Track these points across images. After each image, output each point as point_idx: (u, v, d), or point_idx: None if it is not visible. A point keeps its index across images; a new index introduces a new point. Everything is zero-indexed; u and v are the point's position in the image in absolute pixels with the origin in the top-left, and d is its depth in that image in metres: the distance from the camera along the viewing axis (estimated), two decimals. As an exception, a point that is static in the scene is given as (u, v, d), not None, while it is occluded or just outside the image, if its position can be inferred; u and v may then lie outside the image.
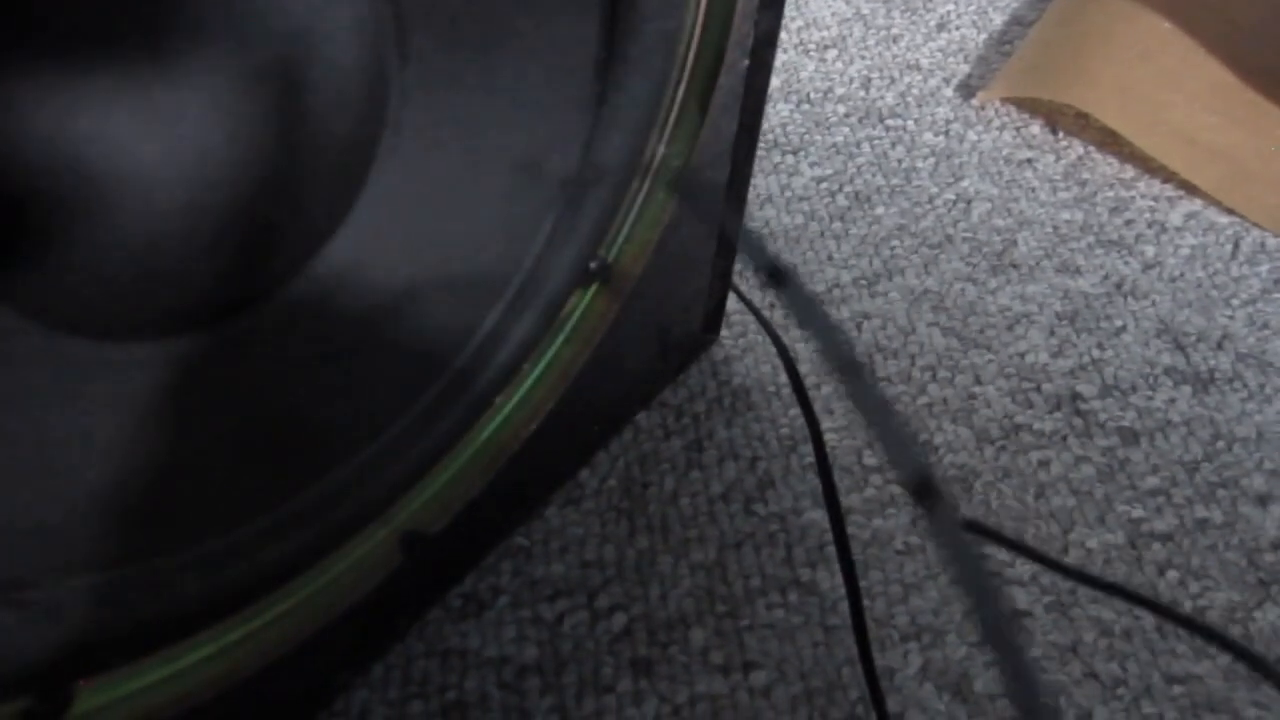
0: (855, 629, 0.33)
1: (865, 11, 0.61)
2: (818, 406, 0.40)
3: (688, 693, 0.32)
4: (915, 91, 0.55)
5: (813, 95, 0.55)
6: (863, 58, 0.58)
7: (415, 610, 0.33)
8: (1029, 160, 0.51)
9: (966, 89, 0.55)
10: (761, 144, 0.48)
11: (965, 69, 0.57)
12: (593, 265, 0.28)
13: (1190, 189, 0.49)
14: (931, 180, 0.50)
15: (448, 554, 0.32)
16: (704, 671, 0.33)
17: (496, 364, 0.27)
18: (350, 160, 0.23)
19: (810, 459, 0.38)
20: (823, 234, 0.47)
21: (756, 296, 0.44)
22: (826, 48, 0.58)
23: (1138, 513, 0.37)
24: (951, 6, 0.61)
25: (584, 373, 0.30)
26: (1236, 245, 0.47)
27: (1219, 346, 0.43)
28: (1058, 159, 0.51)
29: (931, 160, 0.51)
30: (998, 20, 0.60)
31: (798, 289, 0.18)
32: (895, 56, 0.58)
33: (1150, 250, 0.47)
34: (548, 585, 0.34)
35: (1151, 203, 0.49)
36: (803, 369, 0.41)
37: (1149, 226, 0.48)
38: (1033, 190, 0.49)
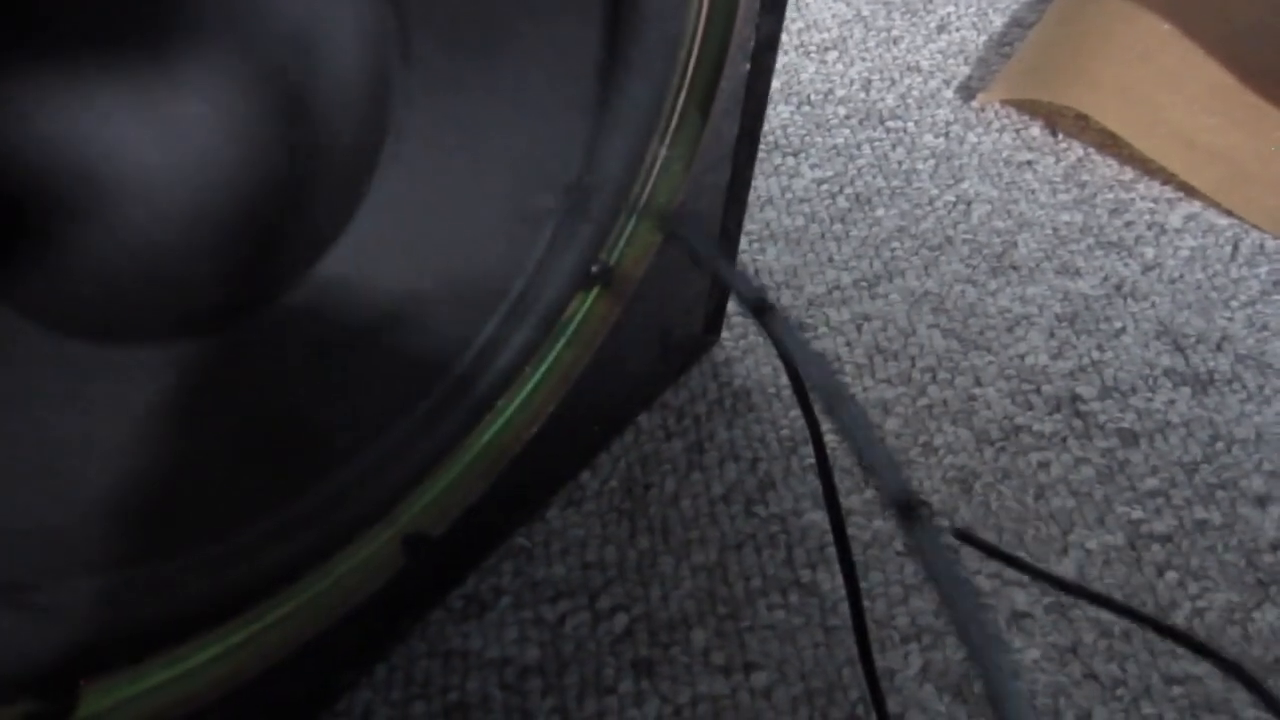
0: (856, 630, 0.33)
1: (865, 13, 0.61)
2: (818, 409, 0.40)
3: (689, 693, 0.32)
4: (915, 93, 0.55)
5: (813, 97, 0.55)
6: (863, 59, 0.58)
7: (417, 611, 0.33)
8: (1029, 162, 0.51)
9: (966, 91, 0.55)
10: (762, 146, 0.49)
11: (965, 71, 0.57)
12: (594, 269, 0.28)
13: (1190, 191, 0.49)
14: (932, 182, 0.50)
15: (450, 555, 0.32)
16: (705, 672, 0.33)
17: (498, 367, 0.27)
18: (353, 165, 0.23)
19: (811, 460, 0.38)
20: (823, 236, 0.48)
21: (757, 298, 0.44)
22: (827, 49, 0.58)
23: (1137, 514, 0.37)
24: (952, 8, 0.61)
25: (585, 375, 0.30)
26: (1236, 247, 0.47)
27: (1218, 348, 0.43)
28: (1057, 161, 0.51)
29: (932, 162, 0.51)
30: (998, 22, 0.60)
31: (783, 322, 0.18)
32: (895, 58, 0.58)
33: (1150, 252, 0.47)
34: (549, 586, 0.35)
35: (1151, 204, 0.49)
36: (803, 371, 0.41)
37: (1148, 228, 0.48)
38: (1032, 192, 0.50)
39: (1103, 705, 0.32)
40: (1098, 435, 0.39)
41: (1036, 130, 0.53)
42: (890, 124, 0.54)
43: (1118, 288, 0.45)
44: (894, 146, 0.52)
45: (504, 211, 0.26)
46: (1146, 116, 0.51)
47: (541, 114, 0.25)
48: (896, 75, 0.57)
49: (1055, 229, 0.48)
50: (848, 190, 0.50)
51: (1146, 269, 0.46)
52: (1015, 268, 0.46)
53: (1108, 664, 0.33)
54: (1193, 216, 0.48)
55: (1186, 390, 0.41)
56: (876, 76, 0.57)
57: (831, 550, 0.35)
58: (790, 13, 0.60)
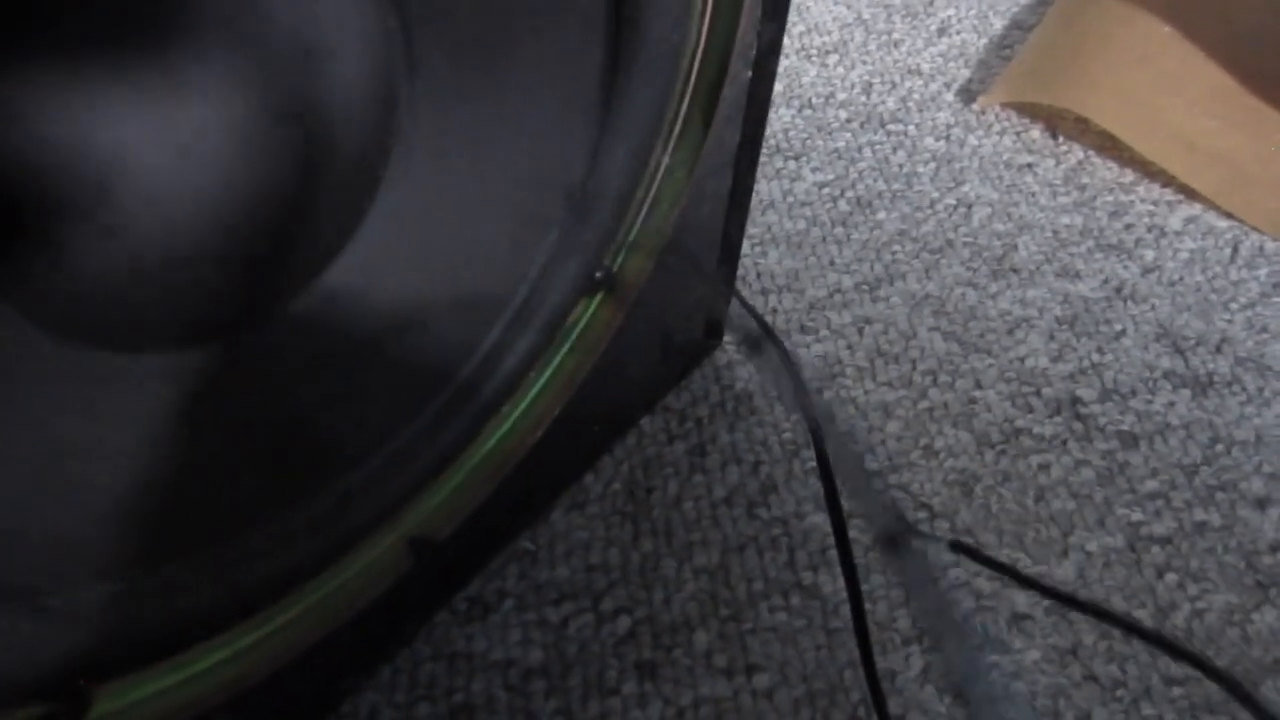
0: (857, 632, 0.33)
1: (866, 17, 0.61)
2: (819, 411, 0.40)
3: (691, 695, 0.32)
4: (916, 96, 0.56)
5: (814, 100, 0.56)
6: (864, 63, 0.58)
7: (423, 614, 0.33)
8: (1029, 165, 0.51)
9: (967, 94, 0.56)
10: (764, 149, 0.49)
11: (966, 74, 0.57)
12: (598, 275, 0.29)
13: (1189, 193, 0.49)
14: (932, 185, 0.50)
15: (455, 558, 0.33)
16: (707, 674, 0.33)
17: (502, 373, 0.28)
18: (360, 174, 0.23)
19: (812, 463, 0.38)
20: (825, 239, 0.48)
21: (759, 303, 0.44)
22: (828, 53, 0.59)
23: (1137, 516, 0.37)
24: (952, 11, 0.62)
25: (589, 379, 0.31)
26: (1235, 249, 0.47)
27: (1218, 350, 0.43)
28: (1058, 163, 0.51)
29: (932, 165, 0.51)
30: (998, 25, 0.61)
31: (776, 359, 0.18)
32: (896, 61, 0.58)
33: (1150, 254, 0.47)
34: (553, 589, 0.35)
35: (1151, 207, 0.49)
36: (804, 374, 0.42)
37: (1148, 231, 0.48)
38: (1033, 195, 0.50)
39: (1102, 706, 0.32)
40: (1098, 438, 0.40)
41: (1037, 133, 0.53)
42: (891, 127, 0.54)
43: (1118, 290, 0.45)
44: (895, 150, 0.52)
45: (508, 219, 0.26)
46: (1146, 119, 0.51)
47: (545, 123, 0.26)
48: (897, 78, 0.57)
49: (1055, 232, 0.48)
50: (849, 194, 0.50)
51: (1146, 271, 0.46)
52: (1016, 270, 0.46)
53: (1108, 665, 0.33)
54: (1192, 219, 0.49)
55: (1186, 392, 0.41)
56: (877, 80, 0.57)
57: (833, 553, 0.35)
58: (791, 16, 0.61)
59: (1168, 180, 0.50)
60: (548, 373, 0.29)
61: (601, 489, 0.38)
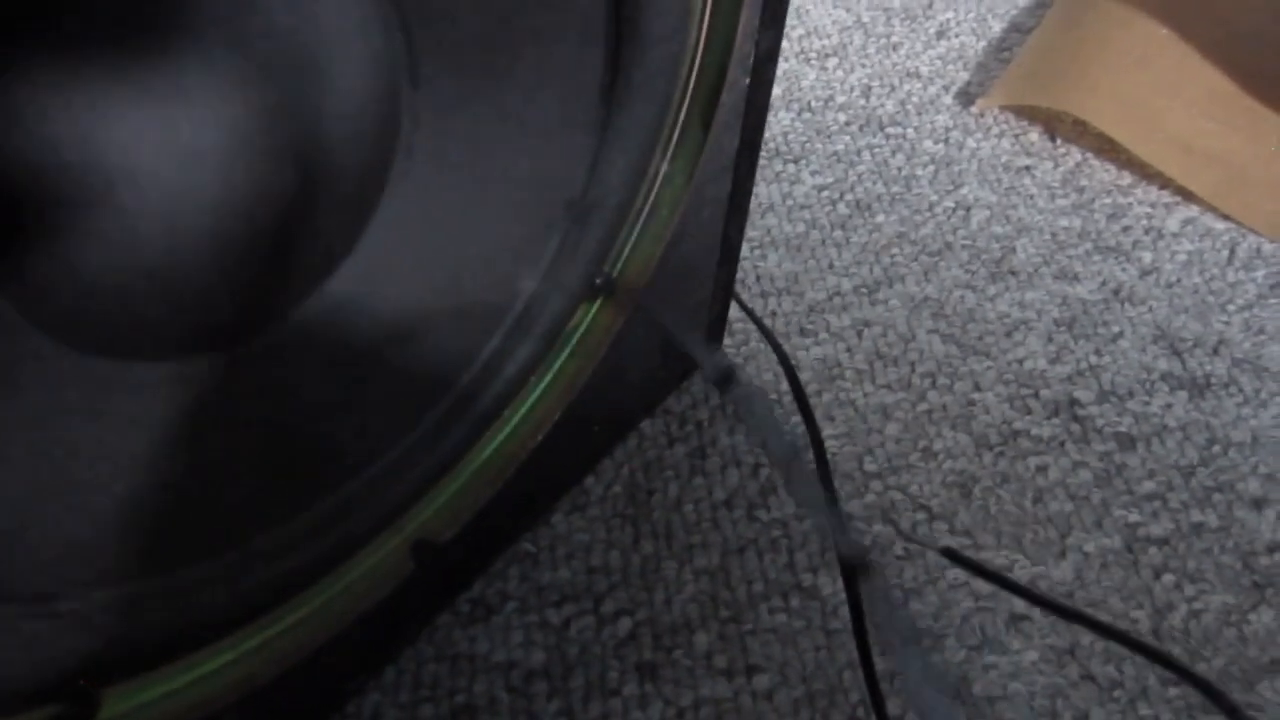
0: (856, 633, 0.33)
1: (866, 19, 0.61)
2: (818, 414, 0.41)
3: (692, 696, 0.33)
4: (915, 99, 0.56)
5: (814, 103, 0.56)
6: (863, 66, 0.58)
7: (425, 616, 0.33)
8: (1027, 167, 0.52)
9: (966, 96, 0.56)
10: (763, 153, 0.49)
11: (964, 76, 0.57)
12: (598, 281, 0.29)
13: (1187, 195, 0.50)
14: (931, 188, 0.51)
15: (457, 561, 0.33)
16: (708, 675, 0.33)
17: (504, 378, 0.28)
18: (363, 183, 0.24)
19: (812, 465, 0.38)
20: (824, 242, 0.48)
21: (758, 306, 0.45)
22: (827, 56, 0.59)
23: (1134, 517, 0.38)
24: (951, 14, 0.62)
25: (589, 383, 0.31)
26: (1233, 251, 0.47)
27: (1215, 352, 0.43)
28: (1056, 166, 0.52)
29: (931, 168, 0.52)
30: (997, 28, 0.61)
31: (745, 391, 0.19)
32: (895, 64, 0.58)
33: (1147, 256, 0.47)
34: (554, 591, 0.35)
35: (1149, 209, 0.49)
36: (804, 377, 0.42)
37: (1146, 233, 0.48)
38: (1031, 197, 0.50)
39: (1100, 706, 0.33)
40: (1095, 439, 0.40)
41: (1035, 136, 0.53)
42: (890, 130, 0.54)
43: (1115, 292, 0.46)
44: (894, 153, 0.53)
45: (509, 226, 0.26)
46: (1144, 121, 0.51)
47: (546, 130, 0.26)
48: (896, 81, 0.57)
49: (1054, 234, 0.48)
50: (848, 197, 0.50)
51: (1144, 273, 0.46)
52: (1014, 273, 0.46)
53: (1105, 665, 0.34)
54: (1190, 221, 0.49)
55: (1183, 394, 0.42)
56: (876, 83, 0.57)
57: (832, 554, 0.36)
58: (791, 20, 0.61)
59: (1165, 182, 0.50)
60: (548, 377, 0.29)
61: (602, 491, 0.38)
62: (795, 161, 0.52)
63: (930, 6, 0.62)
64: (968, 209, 0.50)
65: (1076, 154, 0.52)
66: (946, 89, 0.57)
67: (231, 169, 0.21)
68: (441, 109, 0.23)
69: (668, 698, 0.33)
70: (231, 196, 0.21)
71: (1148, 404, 0.41)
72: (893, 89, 0.57)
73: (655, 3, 0.26)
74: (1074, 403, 0.41)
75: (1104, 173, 0.51)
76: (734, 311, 0.43)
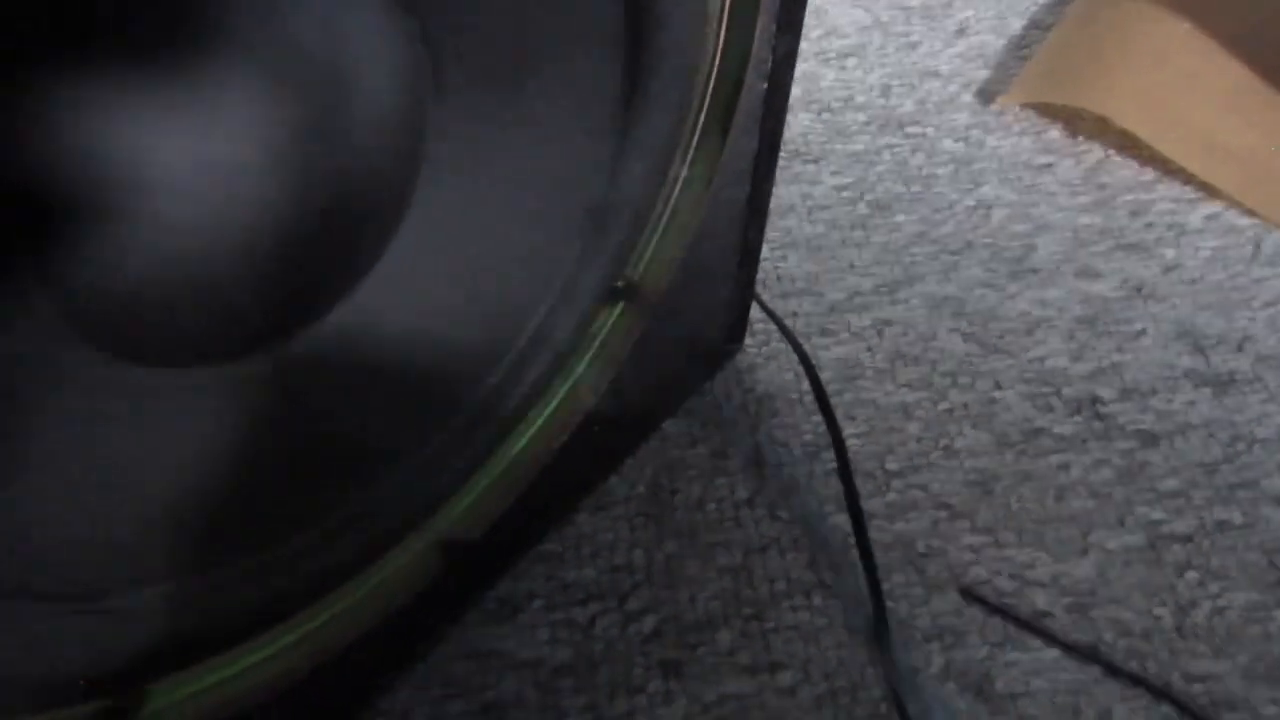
0: (878, 630, 0.34)
1: (884, 19, 0.62)
2: (839, 414, 0.41)
3: (716, 692, 0.33)
4: (935, 98, 0.56)
5: (833, 104, 0.56)
6: (882, 65, 0.58)
7: (454, 613, 0.34)
8: (1048, 165, 0.52)
9: (985, 95, 0.56)
10: (783, 153, 0.49)
11: (984, 75, 0.57)
12: (619, 285, 0.30)
13: (1210, 191, 0.49)
14: (951, 187, 0.51)
15: (484, 560, 0.34)
16: (731, 672, 0.34)
17: (528, 381, 0.29)
18: (392, 192, 0.24)
19: (832, 465, 0.39)
20: (844, 242, 0.48)
21: (779, 306, 0.45)
22: (846, 56, 0.59)
23: (1157, 514, 0.38)
24: (970, 12, 0.62)
25: (612, 385, 0.31)
26: (1257, 247, 0.47)
27: (1239, 349, 0.43)
28: (1077, 163, 0.52)
29: (951, 167, 0.52)
30: (1016, 25, 0.61)
31: None
32: (914, 63, 0.58)
33: (1170, 253, 0.47)
34: (579, 589, 0.36)
35: (1171, 205, 0.49)
36: (825, 376, 0.42)
37: (1169, 229, 0.48)
38: (1052, 195, 0.50)
39: (1122, 703, 0.33)
40: (1117, 437, 0.40)
41: (1055, 133, 0.53)
42: (910, 129, 0.54)
43: (1138, 289, 0.45)
44: (913, 152, 0.53)
45: (532, 234, 0.27)
46: (1165, 117, 0.51)
47: (566, 141, 0.26)
48: (915, 80, 0.57)
49: (1075, 231, 0.48)
50: (868, 196, 0.51)
51: (1167, 270, 0.46)
52: (1035, 271, 0.46)
53: (1128, 662, 0.34)
54: (1213, 217, 0.49)
55: (1207, 391, 0.41)
56: (896, 82, 0.57)
57: (854, 553, 0.36)
58: (809, 20, 0.61)
59: (1188, 178, 0.50)
60: (571, 381, 0.30)
61: (626, 491, 0.39)
62: (815, 162, 0.53)
63: (949, 5, 0.62)
64: (988, 207, 0.50)
65: (1098, 151, 0.52)
66: (966, 87, 0.57)
67: (264, 181, 0.22)
68: (464, 119, 0.24)
69: (692, 694, 0.33)
70: (265, 208, 0.22)
71: (1170, 401, 0.41)
72: (912, 88, 0.57)
73: (671, 12, 0.26)
74: (1096, 400, 0.41)
75: (1125, 170, 0.51)
76: (755, 312, 0.43)
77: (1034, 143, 0.53)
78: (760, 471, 0.39)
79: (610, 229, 0.28)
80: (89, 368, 0.21)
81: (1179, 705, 0.32)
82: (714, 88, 0.29)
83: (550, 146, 0.26)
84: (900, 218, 0.49)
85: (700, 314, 0.38)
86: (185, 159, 0.21)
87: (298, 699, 0.26)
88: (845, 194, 0.51)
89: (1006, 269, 0.47)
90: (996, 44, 0.60)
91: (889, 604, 0.35)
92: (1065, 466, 0.39)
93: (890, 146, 0.53)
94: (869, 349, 0.44)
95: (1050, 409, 0.41)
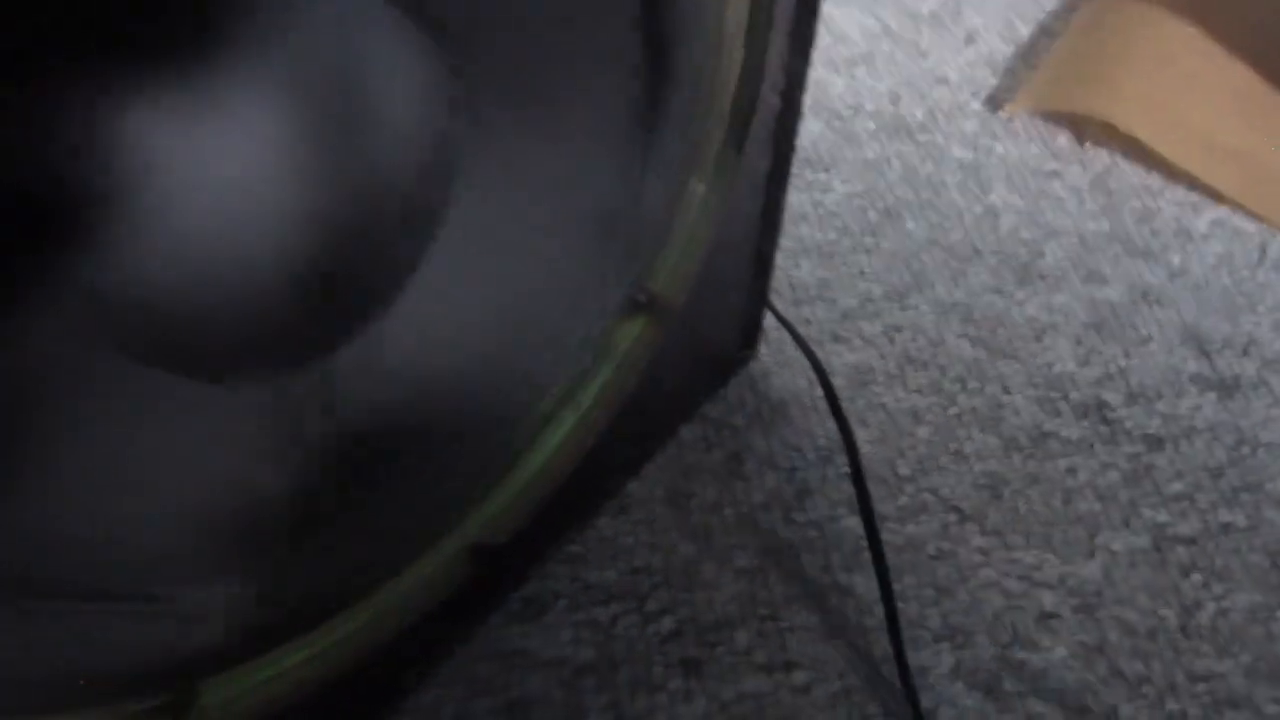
0: (890, 630, 0.35)
1: (894, 27, 0.62)
2: (852, 419, 0.42)
3: (733, 691, 0.34)
4: (944, 106, 0.57)
5: (843, 111, 0.57)
6: (891, 73, 0.59)
7: (480, 614, 0.35)
8: (1056, 172, 0.52)
9: (994, 102, 0.57)
10: (794, 162, 0.50)
11: (993, 82, 0.58)
12: (639, 298, 0.31)
13: (1217, 196, 0.50)
14: (960, 194, 0.52)
15: (510, 562, 0.35)
16: (749, 670, 0.35)
17: (553, 392, 0.30)
18: (424, 210, 0.25)
19: (845, 468, 0.40)
20: (854, 249, 0.49)
21: (792, 314, 0.46)
22: (855, 64, 0.60)
23: (1162, 517, 0.38)
24: (979, 20, 0.63)
25: (632, 395, 0.33)
26: (1263, 251, 0.48)
27: (1244, 353, 0.44)
28: (1084, 169, 0.52)
29: (960, 174, 0.53)
30: (1025, 32, 0.62)
31: None
32: (924, 71, 0.59)
33: (1176, 258, 0.48)
34: (601, 590, 0.37)
35: (1177, 210, 0.50)
36: (837, 382, 0.43)
37: (1175, 235, 0.49)
38: (1060, 201, 0.51)
39: (1129, 702, 0.34)
40: (1124, 440, 0.41)
41: (1063, 140, 0.54)
42: (919, 137, 0.55)
43: (1144, 294, 0.46)
44: (923, 159, 0.54)
45: (560, 247, 0.28)
46: (1169, 121, 0.52)
47: (589, 158, 0.28)
48: (925, 88, 0.58)
49: (1082, 237, 0.49)
50: (878, 204, 0.52)
51: (1173, 275, 0.47)
52: (1043, 276, 0.47)
53: (1133, 661, 0.35)
54: (1219, 222, 0.49)
55: (1212, 395, 0.42)
56: (905, 89, 0.58)
57: (866, 554, 0.37)
58: (818, 29, 0.62)
59: (1194, 184, 0.51)
60: (594, 390, 0.31)
61: (645, 495, 0.40)
62: (826, 170, 0.53)
63: (959, 12, 0.63)
64: (996, 214, 0.50)
65: (1105, 157, 0.53)
66: (975, 94, 0.57)
67: (291, 196, 0.23)
68: (491, 137, 0.25)
69: (710, 692, 0.34)
70: (294, 223, 0.23)
71: (1176, 405, 0.42)
72: (922, 95, 0.58)
73: (689, 31, 0.27)
74: (1102, 404, 0.42)
75: (1132, 175, 0.52)
76: (768, 319, 0.44)
77: (1042, 149, 0.54)
78: (774, 476, 0.40)
79: (631, 244, 0.29)
80: (145, 383, 0.22)
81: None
82: (730, 105, 0.30)
83: (575, 163, 0.27)
84: (910, 225, 0.50)
85: (715, 323, 0.39)
86: (207, 171, 0.22)
87: (326, 699, 0.27)
88: (856, 201, 0.52)
89: (1014, 275, 0.47)
90: (1005, 51, 0.60)
91: (900, 604, 0.36)
92: (1072, 470, 0.40)
93: (900, 154, 0.54)
94: (880, 355, 0.45)
95: (1058, 413, 0.42)
